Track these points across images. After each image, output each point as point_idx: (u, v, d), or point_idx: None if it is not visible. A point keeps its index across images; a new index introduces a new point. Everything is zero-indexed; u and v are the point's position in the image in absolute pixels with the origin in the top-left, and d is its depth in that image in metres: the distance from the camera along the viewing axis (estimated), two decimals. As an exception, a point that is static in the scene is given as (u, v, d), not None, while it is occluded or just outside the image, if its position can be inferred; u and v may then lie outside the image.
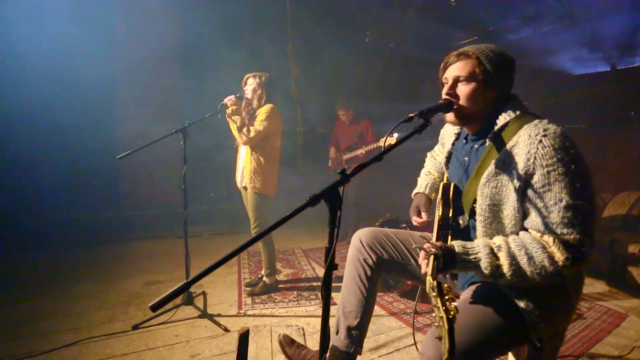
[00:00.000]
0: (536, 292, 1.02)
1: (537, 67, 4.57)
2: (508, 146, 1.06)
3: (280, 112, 2.63)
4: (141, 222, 4.64)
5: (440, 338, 0.71)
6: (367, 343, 2.01)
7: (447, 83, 1.17)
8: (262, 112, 2.50)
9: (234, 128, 2.49)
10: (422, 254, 1.05)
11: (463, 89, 1.12)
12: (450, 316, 0.72)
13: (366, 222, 4.33)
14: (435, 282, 0.84)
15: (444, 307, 0.75)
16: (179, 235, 4.16)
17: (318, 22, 5.27)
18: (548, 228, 0.96)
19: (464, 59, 1.12)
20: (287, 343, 1.49)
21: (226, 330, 2.16)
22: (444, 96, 1.16)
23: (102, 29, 4.07)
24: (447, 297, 0.78)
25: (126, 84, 4.50)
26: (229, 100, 2.46)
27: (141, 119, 4.11)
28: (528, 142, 1.00)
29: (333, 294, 2.62)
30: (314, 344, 1.97)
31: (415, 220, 1.41)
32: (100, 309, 2.45)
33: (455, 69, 1.13)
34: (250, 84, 2.57)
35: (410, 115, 1.06)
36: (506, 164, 1.05)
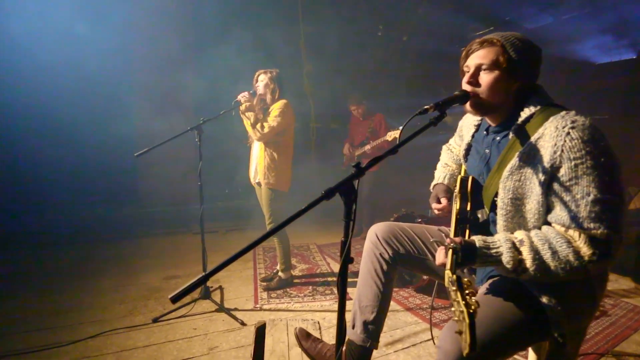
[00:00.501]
0: (559, 288, 1.00)
1: (557, 57, 4.42)
2: (533, 139, 1.02)
3: (293, 107, 2.63)
4: (158, 219, 4.74)
5: (460, 332, 0.70)
6: (383, 338, 2.00)
7: (468, 71, 1.13)
8: (276, 108, 2.51)
9: (247, 124, 2.50)
10: (440, 248, 1.04)
11: (485, 78, 1.08)
12: (471, 310, 0.71)
13: (380, 217, 4.30)
14: (454, 276, 0.83)
15: (464, 302, 0.74)
16: (195, 232, 4.23)
17: (330, 17, 5.24)
18: (574, 222, 0.93)
19: (488, 46, 1.08)
20: (303, 336, 1.50)
21: (243, 324, 2.19)
22: (464, 85, 1.13)
23: (115, 24, 4.14)
24: (467, 292, 0.77)
25: (143, 81, 4.58)
26: (242, 96, 2.48)
27: (157, 116, 4.18)
28: (555, 135, 0.97)
29: (348, 289, 2.63)
30: (329, 338, 1.98)
31: (434, 207, 1.38)
32: (122, 302, 2.52)
33: (478, 57, 1.10)
34: (262, 80, 2.58)
35: (425, 107, 1.04)
36: (531, 156, 1.02)
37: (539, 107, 1.06)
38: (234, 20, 4.57)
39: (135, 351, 1.93)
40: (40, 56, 3.75)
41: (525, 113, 1.07)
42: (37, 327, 2.18)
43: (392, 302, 2.43)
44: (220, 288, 2.76)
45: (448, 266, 0.91)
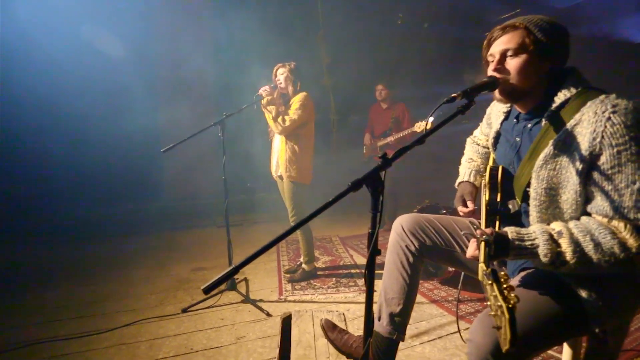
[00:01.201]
0: (599, 281, 0.95)
1: (591, 37, 4.16)
2: (569, 125, 0.96)
3: (313, 99, 2.62)
4: (182, 213, 4.88)
5: (498, 328, 0.68)
6: (409, 330, 1.98)
7: (493, 60, 1.08)
8: (297, 101, 2.51)
9: (269, 118, 2.52)
10: (472, 241, 1.01)
11: (513, 63, 1.03)
12: (511, 305, 0.69)
13: (404, 209, 4.25)
14: (489, 270, 0.80)
15: (502, 296, 0.71)
16: (219, 225, 4.33)
17: (348, 8, 5.16)
18: (618, 213, 0.88)
19: (511, 31, 1.03)
20: (329, 328, 1.51)
21: (268, 314, 2.24)
22: (490, 73, 1.09)
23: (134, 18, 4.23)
24: (505, 286, 0.75)
25: (164, 75, 4.67)
26: (264, 90, 2.49)
27: (181, 112, 4.28)
28: (594, 120, 0.91)
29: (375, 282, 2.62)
30: (354, 329, 1.99)
31: (461, 210, 1.35)
32: (153, 292, 2.63)
33: (502, 43, 1.05)
34: (282, 73, 2.57)
35: (453, 95, 1.00)
36: (567, 144, 0.96)
37: (574, 92, 1.00)
38: (252, 14, 4.58)
39: (167, 339, 2.01)
40: (55, 51, 3.84)
41: (560, 98, 1.01)
42: (77, 315, 2.31)
43: (417, 295, 2.43)
44: (246, 280, 2.82)
45: (481, 259, 0.88)
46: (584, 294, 0.95)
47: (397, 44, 6.17)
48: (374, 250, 0.92)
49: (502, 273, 0.78)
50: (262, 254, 0.79)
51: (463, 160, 1.55)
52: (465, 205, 1.34)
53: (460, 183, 1.46)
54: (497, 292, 0.72)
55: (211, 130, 2.38)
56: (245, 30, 4.42)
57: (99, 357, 1.88)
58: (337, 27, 5.29)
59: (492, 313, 0.71)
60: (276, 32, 4.65)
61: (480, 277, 0.86)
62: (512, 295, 0.71)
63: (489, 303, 0.75)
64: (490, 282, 0.76)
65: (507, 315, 0.66)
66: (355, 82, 5.55)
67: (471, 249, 1.02)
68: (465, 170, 1.47)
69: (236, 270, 0.78)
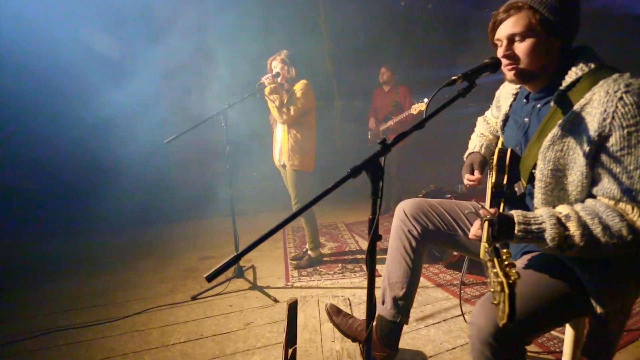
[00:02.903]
0: (602, 263, 0.95)
1: (606, 12, 4.00)
2: (579, 104, 0.94)
3: (315, 86, 2.60)
4: (189, 203, 4.93)
5: (497, 303, 0.68)
6: (414, 313, 2.03)
7: (500, 45, 1.04)
8: (298, 89, 2.50)
9: (272, 107, 2.51)
10: (476, 222, 1.00)
11: (522, 47, 1.00)
12: (511, 281, 0.69)
13: (409, 194, 4.24)
14: (491, 248, 0.80)
15: (503, 272, 0.71)
16: (225, 214, 4.37)
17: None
18: (626, 195, 0.87)
19: (515, 13, 0.99)
20: (334, 312, 1.54)
21: (275, 300, 2.28)
22: (500, 57, 1.05)
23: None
24: (506, 262, 0.74)
25: (170, 69, 4.64)
26: (266, 79, 2.47)
27: (184, 104, 4.27)
28: (605, 100, 0.88)
29: (377, 266, 2.65)
30: (359, 314, 2.02)
31: (467, 177, 1.30)
32: (163, 281, 2.69)
33: (507, 27, 1.00)
34: (275, 66, 2.55)
35: (453, 77, 0.98)
36: (575, 124, 0.94)
37: (587, 70, 0.96)
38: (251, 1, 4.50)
39: (178, 326, 2.07)
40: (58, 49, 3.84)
41: (571, 77, 0.98)
42: (91, 304, 2.38)
43: (422, 279, 2.45)
44: (253, 267, 2.86)
45: (484, 238, 0.88)
46: (586, 275, 0.95)
47: (401, 27, 6.04)
48: (375, 236, 0.92)
49: (505, 250, 0.77)
50: (266, 240, 0.81)
51: (473, 135, 1.51)
52: (473, 174, 1.30)
53: (469, 154, 1.42)
54: (498, 269, 0.72)
55: (215, 119, 2.38)
56: (243, 16, 4.36)
57: (113, 343, 1.94)
58: (339, 11, 5.18)
59: (492, 289, 0.71)
60: (276, 18, 4.59)
61: (481, 255, 0.85)
62: (513, 271, 0.70)
63: (488, 280, 0.75)
64: (491, 259, 0.76)
65: (507, 290, 0.66)
66: (358, 67, 5.47)
67: (474, 229, 1.01)
68: (476, 143, 1.43)
69: (238, 257, 0.79)
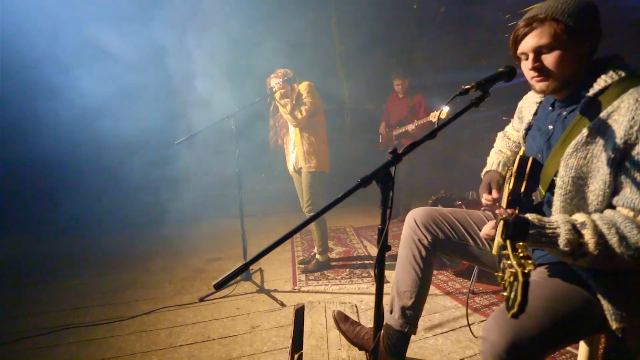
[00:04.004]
0: (619, 277, 0.92)
1: (621, 14, 3.89)
2: (606, 112, 0.92)
3: (325, 90, 2.61)
4: (198, 204, 4.97)
5: (508, 296, 0.66)
6: (422, 322, 2.00)
7: (526, 59, 1.02)
8: (304, 91, 2.52)
9: (284, 112, 2.51)
10: (490, 222, 0.99)
11: (551, 58, 0.98)
12: (527, 270, 0.65)
13: (418, 199, 4.21)
14: (506, 241, 0.77)
15: (518, 263, 0.68)
16: (234, 215, 4.39)
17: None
18: None
19: (538, 26, 0.97)
20: (341, 319, 1.53)
21: (282, 304, 2.28)
22: (527, 73, 1.03)
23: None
24: (522, 254, 0.72)
25: (176, 70, 4.68)
26: (277, 83, 2.48)
27: (193, 109, 4.31)
28: (633, 107, 0.86)
29: (386, 272, 2.62)
30: (366, 321, 2.00)
31: (485, 197, 1.28)
32: (171, 282, 2.71)
33: (533, 39, 0.98)
34: (276, 82, 2.54)
35: (466, 87, 0.97)
36: (601, 132, 0.92)
37: (616, 78, 0.94)
38: (263, 3, 4.53)
39: (185, 327, 2.08)
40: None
41: (600, 84, 0.96)
42: (101, 303, 2.42)
43: (431, 286, 2.42)
44: (260, 270, 2.87)
45: (499, 235, 0.86)
46: (602, 290, 0.92)
47: (413, 30, 6.01)
48: (384, 246, 0.91)
49: (521, 244, 0.75)
50: (275, 248, 0.80)
51: (492, 151, 1.49)
52: (490, 193, 1.27)
53: (487, 172, 1.40)
54: (513, 260, 0.69)
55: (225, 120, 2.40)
56: (253, 19, 4.39)
57: (121, 343, 1.96)
58: (350, 14, 5.18)
59: (505, 282, 0.68)
60: (287, 21, 4.60)
61: (494, 250, 0.82)
62: (529, 262, 0.67)
63: (500, 275, 0.72)
64: (506, 252, 0.73)
65: (521, 279, 0.64)
66: (369, 69, 5.46)
67: (486, 228, 0.99)
68: (494, 161, 1.41)
69: (247, 266, 0.79)
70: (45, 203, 4.35)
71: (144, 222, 4.37)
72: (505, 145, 1.45)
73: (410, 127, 3.73)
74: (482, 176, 1.40)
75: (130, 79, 4.15)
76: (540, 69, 1.00)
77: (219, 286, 0.76)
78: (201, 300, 2.39)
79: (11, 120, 4.14)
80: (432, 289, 2.42)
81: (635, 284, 0.93)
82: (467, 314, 1.53)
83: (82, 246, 3.71)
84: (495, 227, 0.87)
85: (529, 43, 1.00)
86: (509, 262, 0.69)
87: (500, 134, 1.52)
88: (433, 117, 3.42)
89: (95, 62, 3.98)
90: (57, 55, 3.78)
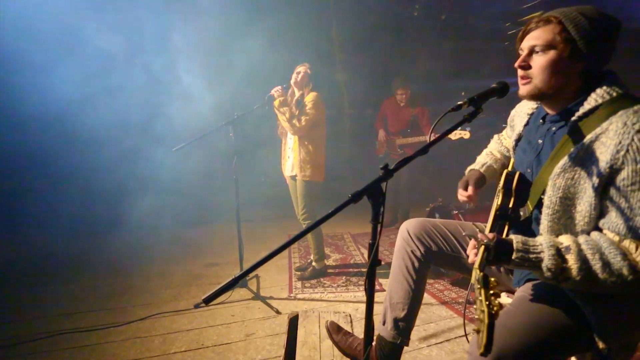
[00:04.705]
0: (607, 297, 0.92)
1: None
2: (594, 133, 0.91)
3: (326, 96, 2.63)
4: (197, 209, 4.97)
5: (478, 331, 0.68)
6: (416, 332, 2.00)
7: (522, 54, 1.02)
8: (309, 101, 2.53)
9: (283, 119, 2.53)
10: (471, 242, 0.99)
11: (538, 60, 0.97)
12: (493, 311, 0.69)
13: (417, 206, 4.21)
14: (481, 274, 0.80)
15: (487, 302, 0.71)
16: (233, 220, 4.39)
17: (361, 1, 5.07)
18: (632, 232, 0.85)
19: (543, 25, 0.97)
20: (334, 330, 1.53)
21: (278, 312, 2.28)
22: (516, 68, 1.03)
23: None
24: (492, 292, 0.74)
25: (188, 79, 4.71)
26: (275, 91, 2.49)
27: (195, 115, 4.33)
28: (622, 131, 0.86)
29: (382, 280, 2.62)
30: (360, 330, 1.98)
31: (460, 193, 1.30)
32: (167, 287, 2.71)
33: (532, 38, 0.98)
34: (301, 72, 2.59)
35: (459, 103, 0.98)
36: (589, 153, 0.92)
37: (607, 98, 0.93)
38: (264, 9, 4.56)
39: (180, 334, 2.08)
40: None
41: (590, 104, 0.95)
42: (96, 308, 2.42)
43: (426, 295, 2.42)
44: (257, 276, 2.87)
45: (477, 263, 0.87)
46: (589, 307, 0.92)
47: (413, 37, 6.05)
48: (374, 261, 0.92)
49: (493, 279, 0.77)
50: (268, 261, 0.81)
51: (484, 151, 1.49)
52: (466, 190, 1.28)
53: (470, 170, 1.40)
54: (482, 297, 0.72)
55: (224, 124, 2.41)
56: (256, 27, 4.41)
57: (116, 349, 1.96)
58: (350, 21, 5.21)
59: (477, 317, 0.71)
60: (288, 28, 4.63)
61: (472, 280, 0.84)
62: (496, 301, 0.71)
63: (475, 307, 0.74)
64: (479, 286, 0.76)
65: (486, 320, 0.66)
66: (369, 76, 5.48)
67: (472, 255, 1.00)
68: (481, 160, 1.41)
69: (236, 280, 0.80)
70: (41, 204, 4.35)
71: (142, 225, 4.36)
72: (496, 148, 1.46)
73: (422, 138, 3.68)
74: (465, 173, 1.40)
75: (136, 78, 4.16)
76: (525, 68, 1.00)
77: (208, 301, 0.77)
78: (197, 306, 2.38)
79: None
80: (428, 298, 2.42)
81: (623, 303, 0.93)
82: (464, 324, 1.52)
83: (78, 249, 3.71)
84: (477, 253, 0.88)
85: (528, 40, 1.00)
86: (480, 298, 0.71)
87: (495, 136, 1.52)
88: (454, 135, 3.32)
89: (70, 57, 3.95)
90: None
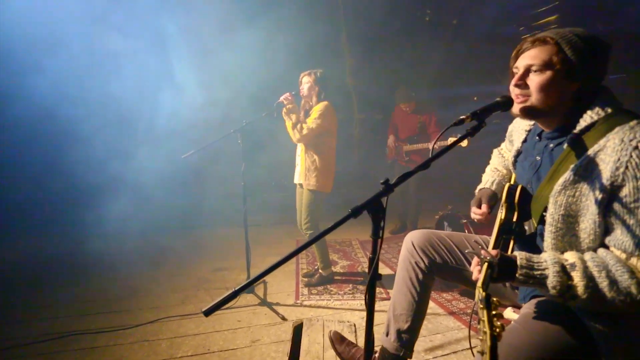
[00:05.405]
0: (614, 315, 0.90)
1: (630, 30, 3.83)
2: (592, 150, 0.91)
3: (335, 109, 2.59)
4: (206, 212, 5.03)
5: (482, 353, 0.68)
6: (422, 342, 1.98)
7: (517, 72, 1.03)
8: (316, 110, 2.51)
9: (289, 126, 2.54)
10: (475, 259, 0.99)
11: (535, 79, 0.98)
12: (495, 333, 0.69)
13: (425, 213, 4.18)
14: (484, 294, 0.79)
15: (489, 323, 0.71)
16: (241, 224, 4.42)
17: (372, 6, 5.08)
18: (639, 250, 0.84)
19: (540, 45, 0.98)
20: (337, 340, 1.53)
21: (284, 319, 2.28)
22: (511, 87, 1.05)
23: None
24: (494, 313, 0.74)
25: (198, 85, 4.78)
26: (284, 98, 2.51)
27: (204, 123, 4.39)
28: (619, 148, 0.86)
29: (388, 289, 2.61)
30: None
31: (473, 211, 1.29)
32: (175, 291, 2.75)
33: (528, 57, 1.00)
34: (307, 82, 2.57)
35: (462, 117, 0.98)
36: (588, 171, 0.91)
37: (602, 115, 0.94)
38: (274, 15, 4.61)
39: (186, 338, 2.11)
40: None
41: (586, 121, 0.96)
42: (105, 310, 2.47)
43: (434, 305, 2.40)
44: (264, 282, 2.88)
45: (480, 282, 0.86)
46: (597, 326, 0.91)
47: (424, 42, 6.02)
48: (374, 275, 0.92)
49: (495, 299, 0.76)
50: (280, 255, 0.82)
51: (487, 169, 1.50)
52: (480, 208, 1.27)
53: (480, 189, 1.40)
54: (485, 318, 0.72)
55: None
56: (268, 32, 4.46)
57: (124, 352, 1.99)
58: (361, 28, 5.22)
59: (481, 337, 0.71)
60: (299, 35, 4.67)
61: (476, 298, 0.84)
62: (499, 323, 0.71)
63: (479, 327, 0.74)
64: (482, 306, 0.75)
65: (489, 343, 0.67)
66: (378, 82, 5.48)
67: (475, 272, 0.99)
68: (488, 178, 1.41)
69: (236, 293, 0.81)
70: (54, 206, 4.44)
71: (151, 229, 4.42)
72: (500, 163, 1.45)
73: (429, 145, 3.65)
74: (475, 193, 1.39)
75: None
76: (521, 87, 1.01)
77: (208, 313, 0.78)
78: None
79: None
80: (435, 308, 2.39)
81: (631, 322, 0.91)
82: (469, 337, 1.50)
83: (88, 251, 3.74)
84: (480, 270, 0.88)
85: (523, 59, 1.02)
86: (483, 319, 0.72)
87: (495, 151, 1.52)
88: (451, 142, 3.30)
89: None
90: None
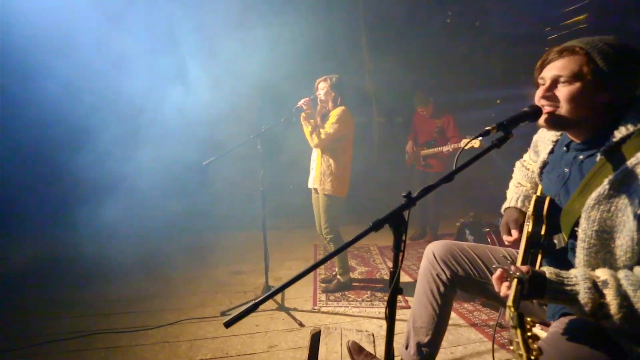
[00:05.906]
0: None
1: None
2: (629, 163, 0.87)
3: (354, 112, 2.59)
4: (225, 215, 5.08)
5: None
6: (443, 354, 1.93)
7: (543, 84, 0.99)
8: (333, 115, 2.51)
9: (306, 131, 2.55)
10: (497, 274, 0.93)
11: (564, 91, 0.94)
12: (533, 357, 0.66)
13: (446, 219, 4.09)
14: (516, 313, 0.76)
15: (525, 346, 0.68)
16: (260, 227, 4.45)
17: (392, 8, 5.03)
18: None
19: (568, 56, 0.94)
20: (355, 350, 1.51)
21: (301, 325, 2.28)
22: (537, 99, 1.01)
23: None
24: (529, 334, 0.70)
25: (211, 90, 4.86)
26: (304, 103, 2.52)
27: (224, 127, 4.44)
28: None
29: (407, 298, 2.56)
30: (383, 350, 1.96)
31: (505, 239, 1.25)
32: (194, 293, 2.80)
33: (555, 68, 0.96)
34: (322, 88, 2.57)
35: (487, 128, 0.95)
36: (625, 184, 0.87)
37: (639, 127, 0.89)
38: (295, 19, 4.63)
39: (205, 341, 2.14)
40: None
41: (621, 132, 0.91)
42: (128, 310, 2.54)
43: (455, 316, 2.34)
44: (281, 286, 2.89)
45: (511, 300, 0.83)
46: (637, 349, 0.85)
47: (444, 45, 5.92)
48: (395, 289, 0.90)
49: (529, 319, 0.73)
50: (299, 260, 0.82)
51: (511, 184, 1.44)
52: (510, 234, 1.24)
53: (506, 209, 1.34)
54: (520, 339, 0.69)
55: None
56: (287, 33, 4.48)
57: (145, 352, 2.04)
58: (380, 31, 5.19)
59: (514, 351, 0.68)
60: (319, 37, 4.67)
61: (507, 317, 0.80)
62: (535, 346, 0.67)
63: (512, 348, 0.71)
64: (514, 325, 0.72)
65: None
66: (399, 84, 5.42)
67: (504, 288, 0.95)
68: (513, 195, 1.35)
69: (256, 306, 0.82)
70: (70, 207, 4.53)
71: (171, 231, 4.50)
72: (524, 177, 1.39)
73: (446, 148, 3.59)
74: (502, 212, 1.34)
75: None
76: (550, 99, 0.97)
77: (229, 324, 0.79)
78: (223, 314, 2.44)
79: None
80: (457, 319, 2.33)
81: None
82: (492, 350, 1.45)
83: (112, 252, 3.83)
84: (510, 287, 0.84)
85: (550, 70, 0.98)
86: (517, 340, 0.68)
87: (518, 164, 1.46)
88: (463, 143, 3.26)
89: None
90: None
